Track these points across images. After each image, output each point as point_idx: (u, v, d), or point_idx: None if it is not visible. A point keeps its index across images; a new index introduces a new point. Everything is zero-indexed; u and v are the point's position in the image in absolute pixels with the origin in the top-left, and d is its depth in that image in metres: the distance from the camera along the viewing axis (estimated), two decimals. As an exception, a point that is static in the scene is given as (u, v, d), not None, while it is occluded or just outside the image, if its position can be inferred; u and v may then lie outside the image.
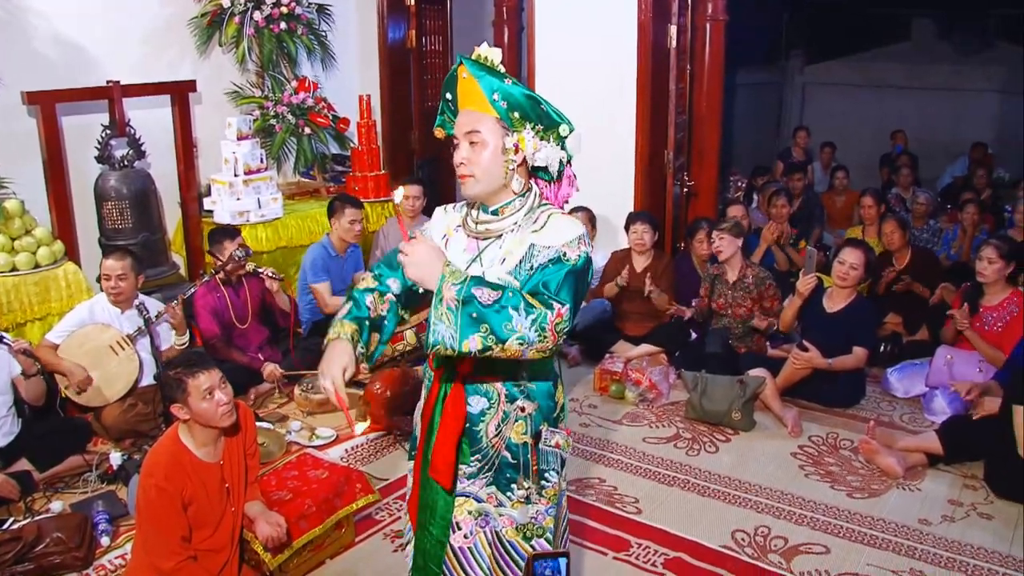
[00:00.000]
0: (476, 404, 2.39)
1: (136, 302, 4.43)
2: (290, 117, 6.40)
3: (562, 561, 2.55)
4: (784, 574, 3.45)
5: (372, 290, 2.50)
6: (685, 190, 6.34)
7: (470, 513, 2.44)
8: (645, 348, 5.56)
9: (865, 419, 4.76)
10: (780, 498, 4.03)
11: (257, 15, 6.12)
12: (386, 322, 2.51)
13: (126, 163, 5.44)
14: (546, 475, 2.44)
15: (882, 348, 5.58)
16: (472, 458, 2.41)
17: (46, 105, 5.08)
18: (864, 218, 6.95)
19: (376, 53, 7.22)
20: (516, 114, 2.29)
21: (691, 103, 6.09)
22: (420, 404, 2.55)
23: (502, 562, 2.45)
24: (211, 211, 5.99)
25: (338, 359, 2.33)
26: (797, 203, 7.62)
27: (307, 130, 6.50)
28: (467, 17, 8.27)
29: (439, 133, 2.52)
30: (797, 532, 3.74)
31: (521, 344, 2.11)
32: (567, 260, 2.24)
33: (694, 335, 5.60)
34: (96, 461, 4.11)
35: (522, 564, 2.44)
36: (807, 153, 9.96)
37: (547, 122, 2.32)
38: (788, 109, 13.50)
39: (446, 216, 2.55)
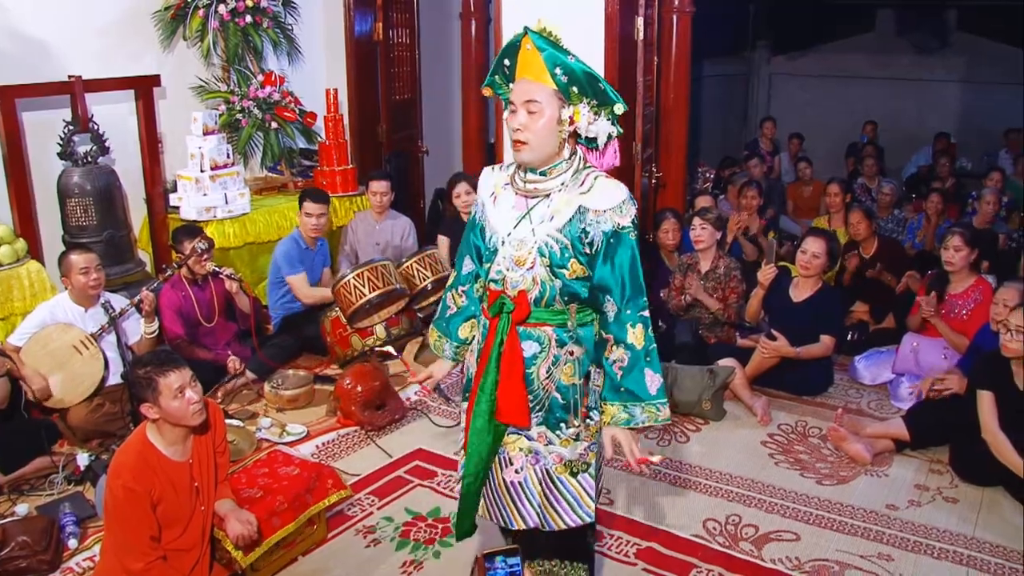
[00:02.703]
0: (528, 349, 2.59)
1: (102, 300, 4.38)
2: (256, 111, 6.34)
3: (514, 558, 2.86)
4: (755, 562, 3.48)
5: (451, 287, 2.85)
6: (653, 181, 6.36)
7: (521, 450, 2.67)
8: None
9: (833, 407, 4.81)
10: (751, 486, 4.06)
11: (222, 8, 6.05)
12: (469, 307, 2.82)
13: (89, 159, 5.37)
14: (591, 413, 2.65)
15: (849, 336, 5.64)
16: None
17: (5, 100, 4.99)
18: (830, 207, 7.02)
19: (343, 46, 7.17)
20: (575, 88, 2.46)
21: (658, 95, 6.10)
22: (476, 348, 2.76)
23: (551, 496, 2.67)
24: (177, 207, 5.92)
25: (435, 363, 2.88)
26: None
27: (274, 124, 6.45)
28: (434, 9, 8.24)
29: (487, 92, 2.73)
30: (768, 520, 3.78)
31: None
32: (624, 230, 2.49)
33: (662, 325, 5.62)
34: (63, 462, 4.05)
35: (570, 498, 2.68)
36: (775, 144, 10.04)
37: (603, 99, 2.49)
38: (755, 100, 13.58)
39: (493, 175, 2.74)
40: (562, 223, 2.50)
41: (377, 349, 5.19)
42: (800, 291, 5.13)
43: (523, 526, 2.70)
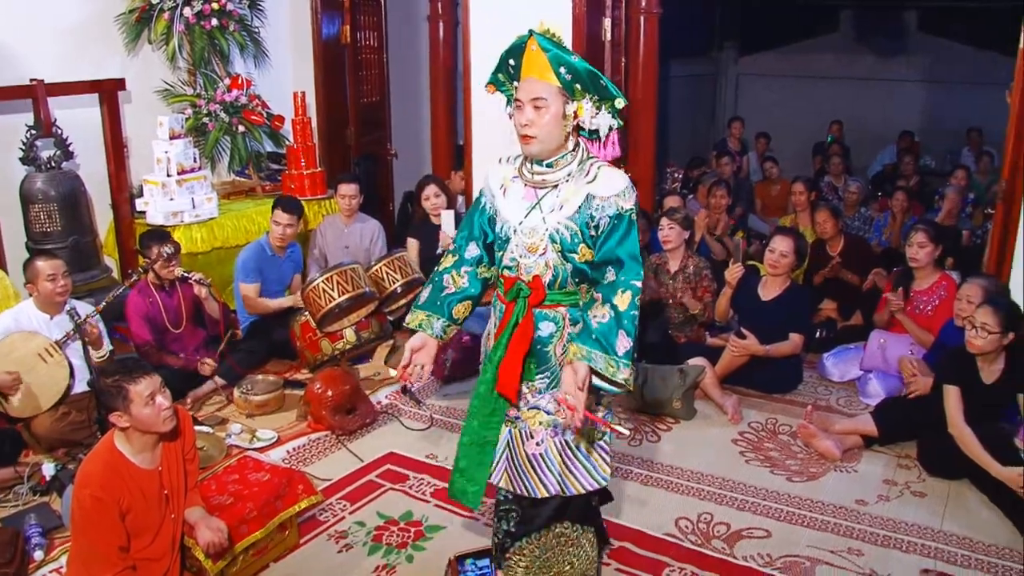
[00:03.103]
0: (545, 328, 2.78)
1: (67, 307, 4.33)
2: (223, 115, 6.30)
3: (485, 559, 3.12)
4: (727, 559, 3.50)
5: (449, 269, 2.91)
6: (622, 182, 6.38)
7: (541, 424, 2.84)
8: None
9: (803, 404, 4.86)
10: (722, 484, 4.09)
11: (187, 11, 6.00)
12: (469, 290, 2.90)
13: (53, 164, 5.31)
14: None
15: (817, 334, 5.69)
16: (541, 376, 2.81)
17: (-34, 105, 4.94)
18: (795, 205, 7.08)
19: (310, 49, 7.13)
20: (578, 85, 2.65)
21: (627, 95, 6.12)
22: (491, 329, 2.94)
23: (570, 464, 2.87)
24: (144, 212, 5.87)
25: (416, 341, 2.85)
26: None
27: (241, 128, 6.40)
28: (402, 12, 8.23)
29: (490, 89, 2.91)
30: (739, 517, 3.80)
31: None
32: (626, 212, 2.69)
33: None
34: (28, 472, 3.99)
35: (588, 464, 2.88)
36: (742, 143, 10.11)
37: (604, 94, 2.68)
38: (723, 100, 13.66)
39: (502, 168, 2.91)
40: (572, 211, 2.70)
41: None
42: (769, 290, 5.16)
43: (545, 494, 2.87)
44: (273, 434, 4.53)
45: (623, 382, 2.59)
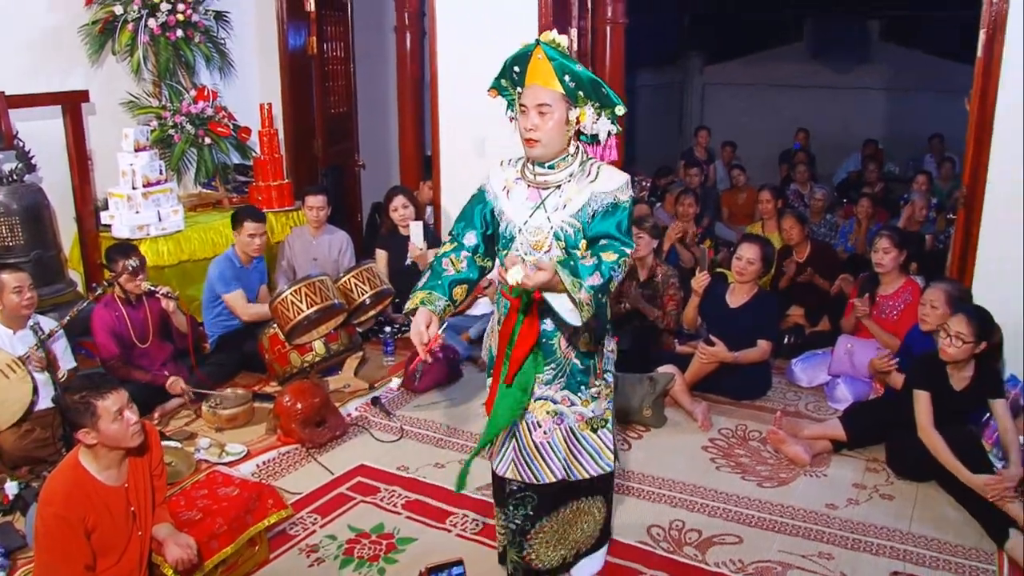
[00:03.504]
0: (549, 323, 2.96)
1: (31, 322, 4.27)
2: (189, 127, 6.25)
3: (458, 569, 3.30)
4: (700, 566, 3.51)
5: (448, 253, 2.99)
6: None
7: (548, 413, 3.04)
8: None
9: (772, 410, 4.88)
10: (693, 491, 4.10)
11: (152, 22, 5.96)
12: (468, 274, 2.98)
13: (15, 177, 5.25)
14: (606, 376, 3.11)
15: (785, 340, 5.73)
16: (547, 367, 3.00)
17: (-75, 119, 4.86)
18: (762, 213, 7.13)
19: (277, 60, 7.11)
20: (581, 93, 2.82)
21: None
22: (496, 328, 3.09)
23: (575, 451, 3.09)
24: (109, 225, 5.80)
25: (422, 319, 2.82)
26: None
27: (207, 140, 6.36)
28: (369, 23, 8.21)
29: (492, 94, 3.07)
30: (711, 524, 3.81)
31: (618, 283, 2.78)
32: (620, 202, 2.86)
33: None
34: (-9, 491, 3.93)
35: (592, 451, 3.10)
36: (709, 152, 10.18)
37: (605, 101, 2.85)
38: (689, 109, 13.78)
39: (503, 171, 3.06)
40: (575, 209, 2.88)
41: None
42: (736, 297, 5.20)
43: (551, 479, 3.07)
44: (242, 448, 4.49)
45: (579, 303, 2.63)
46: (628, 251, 2.81)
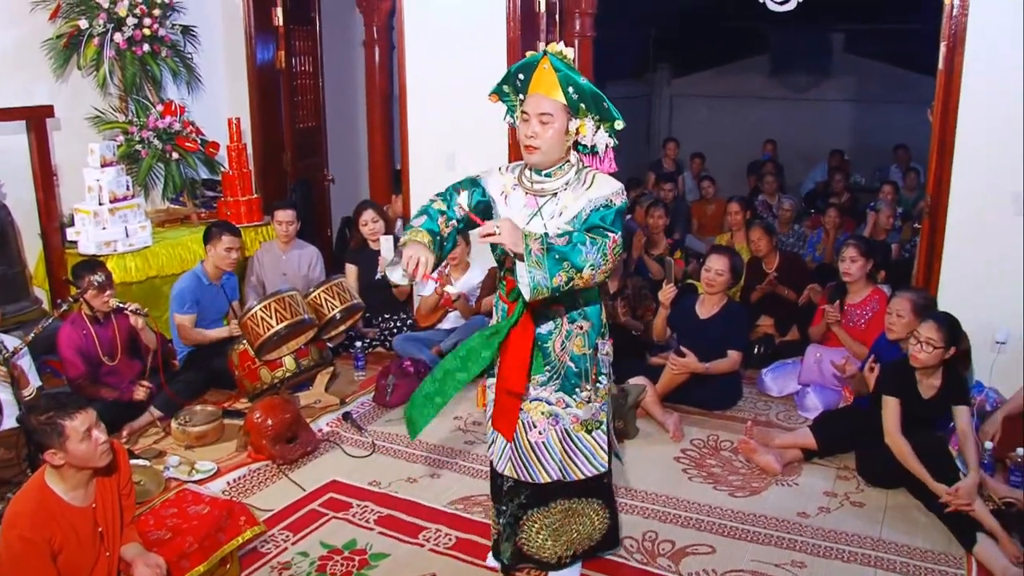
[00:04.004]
0: (544, 326, 3.07)
1: (-5, 341, 4.21)
2: (156, 142, 6.20)
3: None
4: (672, 577, 3.52)
5: (443, 212, 3.05)
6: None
7: (543, 414, 3.13)
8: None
9: (743, 420, 4.91)
10: (666, 502, 4.11)
11: (118, 37, 5.92)
12: (447, 243, 3.04)
13: (-21, 194, 5.18)
14: (600, 378, 3.18)
15: (755, 350, 5.77)
16: (543, 369, 3.09)
17: None
18: (731, 224, 7.19)
19: (245, 75, 7.06)
20: (583, 105, 2.92)
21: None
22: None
23: (570, 451, 3.17)
24: (75, 242, 5.74)
25: (420, 249, 2.84)
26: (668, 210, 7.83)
27: (175, 155, 6.31)
28: (337, 37, 8.20)
29: (493, 99, 3.14)
30: (683, 534, 3.82)
31: (592, 269, 2.77)
32: (614, 204, 2.93)
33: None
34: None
35: (586, 452, 3.19)
36: (677, 164, 10.24)
37: (605, 115, 2.95)
38: (657, 121, 13.85)
39: (502, 177, 3.14)
40: (571, 217, 2.96)
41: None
42: (706, 308, 5.23)
43: (547, 479, 3.18)
44: (212, 465, 4.45)
45: (528, 251, 2.69)
46: (610, 235, 2.85)
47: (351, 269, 6.24)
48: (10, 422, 4.22)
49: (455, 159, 5.83)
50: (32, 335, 4.36)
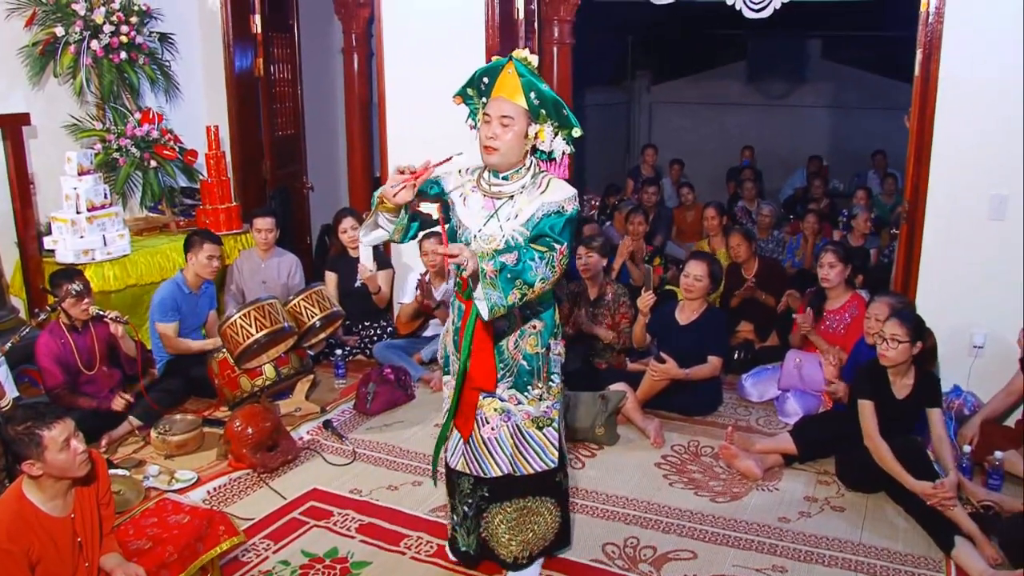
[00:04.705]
0: (498, 324, 3.13)
1: (-29, 351, 4.17)
2: (134, 150, 6.16)
3: None
4: (654, 582, 3.52)
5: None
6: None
7: (496, 410, 3.22)
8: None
9: (723, 425, 4.92)
10: (647, 508, 4.12)
11: (95, 44, 5.87)
12: (413, 223, 3.15)
13: (-46, 203, 5.13)
14: (552, 377, 3.27)
15: (736, 356, 5.79)
16: (498, 367, 3.16)
17: None
18: (708, 230, 7.22)
19: (223, 82, 7.03)
20: (543, 111, 3.03)
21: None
22: (451, 328, 3.31)
23: (521, 447, 3.27)
24: (53, 251, 5.68)
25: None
26: (650, 216, 7.86)
27: (153, 163, 6.27)
28: (316, 45, 8.19)
29: (457, 101, 3.24)
30: (665, 540, 3.83)
31: (543, 282, 2.93)
32: (565, 211, 3.04)
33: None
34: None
35: (537, 447, 3.27)
36: (656, 170, 10.28)
37: (564, 122, 3.07)
38: (636, 128, 13.90)
39: (461, 178, 3.24)
40: (526, 219, 3.06)
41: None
42: (686, 314, 5.25)
43: (498, 473, 3.26)
44: (193, 474, 4.42)
45: (482, 274, 2.84)
46: (557, 247, 2.99)
47: (331, 277, 6.22)
48: (-14, 432, 4.18)
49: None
50: (9, 344, 4.33)
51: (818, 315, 5.23)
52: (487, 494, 3.36)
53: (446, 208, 3.22)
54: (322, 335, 5.57)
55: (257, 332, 4.88)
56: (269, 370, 5.08)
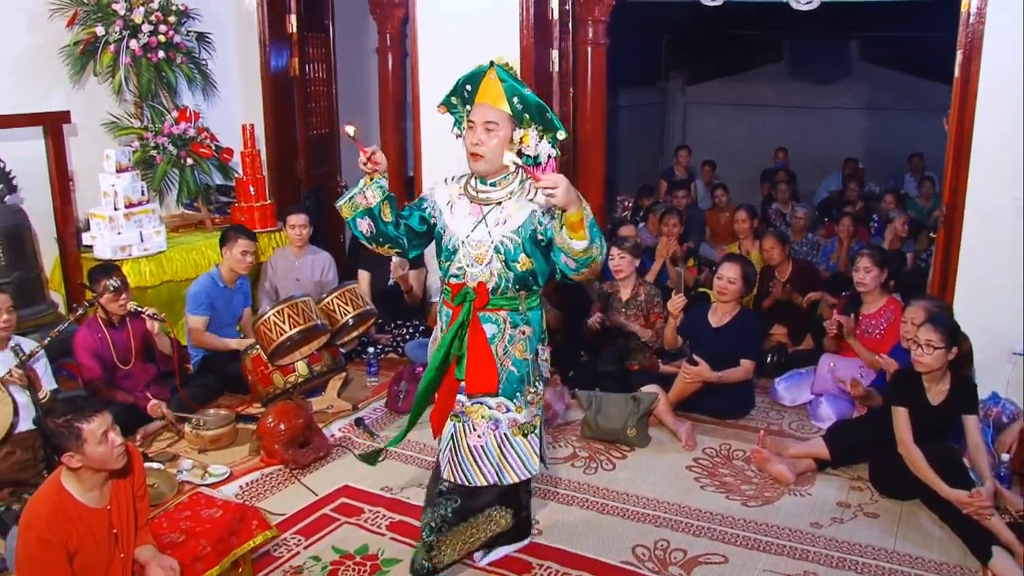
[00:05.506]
0: (488, 330, 3.13)
1: (12, 343, 4.23)
2: (171, 148, 6.24)
3: None
4: (685, 585, 3.51)
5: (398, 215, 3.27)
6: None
7: (484, 418, 3.19)
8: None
9: (756, 429, 4.89)
10: (678, 511, 4.10)
11: (134, 44, 5.95)
12: (391, 222, 3.25)
13: (-4, 199, 5.22)
14: (538, 383, 3.26)
15: (769, 359, 5.74)
16: None
17: (-94, 140, 4.83)
18: (739, 232, 7.17)
19: (259, 81, 7.10)
20: (527, 115, 3.02)
21: (575, 126, 6.18)
22: (437, 335, 3.29)
23: (508, 455, 3.23)
24: (91, 246, 5.77)
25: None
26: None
27: (189, 161, 6.34)
28: (351, 45, 8.23)
29: (441, 110, 3.28)
30: (696, 543, 3.81)
31: (600, 256, 2.92)
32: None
33: (585, 357, 5.64)
34: (-30, 514, 3.88)
35: (521, 455, 3.24)
36: (689, 171, 10.23)
37: (548, 126, 3.05)
38: (670, 129, 13.84)
39: (447, 187, 3.27)
40: (516, 225, 3.07)
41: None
42: (718, 316, 5.22)
43: (484, 483, 3.23)
44: (225, 469, 4.46)
45: (588, 219, 2.82)
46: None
47: (364, 275, 6.25)
48: (27, 424, 4.26)
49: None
50: (48, 339, 4.40)
51: (855, 320, 5.17)
52: (449, 515, 3.32)
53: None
54: (355, 333, 5.60)
55: (290, 329, 4.91)
56: (302, 367, 5.11)
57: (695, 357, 5.02)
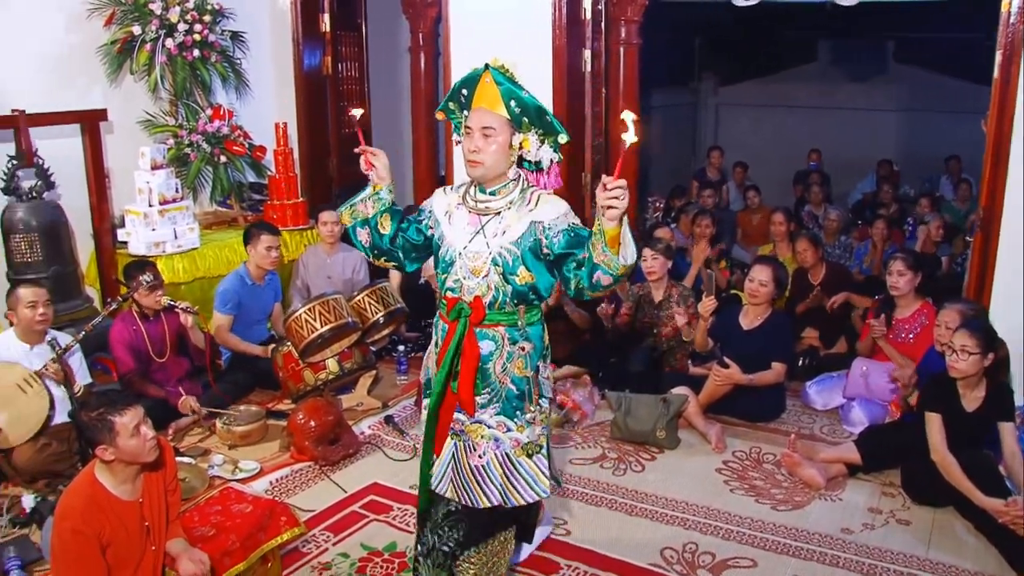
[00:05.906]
0: (485, 347, 2.94)
1: (48, 337, 4.29)
2: (205, 146, 6.30)
3: None
4: (713, 589, 3.49)
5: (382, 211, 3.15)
6: (604, 212, 6.41)
7: (483, 437, 2.99)
8: (568, 369, 5.59)
9: (786, 433, 4.85)
10: (707, 514, 4.08)
11: (169, 42, 6.02)
12: (386, 235, 3.11)
13: (34, 194, 5.29)
14: (541, 401, 3.05)
15: (800, 362, 5.69)
16: (483, 392, 2.95)
17: (-52, 136, 4.92)
18: (775, 235, 7.11)
19: (292, 80, 7.16)
20: (526, 119, 2.86)
21: (607, 126, 6.16)
22: (433, 351, 3.11)
23: (511, 476, 3.02)
24: (126, 242, 5.85)
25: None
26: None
27: (223, 159, 6.40)
28: (384, 44, 8.27)
29: (440, 116, 3.10)
30: (725, 547, 3.79)
31: (627, 268, 2.68)
32: (577, 226, 2.86)
33: (614, 360, 5.62)
34: (7, 504, 3.94)
35: (528, 477, 3.03)
36: (721, 172, 10.17)
37: (548, 129, 2.89)
38: (702, 130, 13.77)
39: (445, 196, 3.09)
40: (515, 237, 2.88)
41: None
42: (750, 318, 5.18)
43: (488, 504, 3.00)
44: (256, 465, 4.50)
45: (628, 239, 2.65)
46: None
47: (395, 274, 6.26)
48: (62, 417, 4.32)
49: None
50: (83, 332, 4.46)
51: (887, 323, 5.12)
52: (462, 539, 3.09)
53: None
54: (385, 331, 5.62)
55: (321, 327, 4.94)
56: (332, 364, 5.14)
57: (726, 359, 4.99)
